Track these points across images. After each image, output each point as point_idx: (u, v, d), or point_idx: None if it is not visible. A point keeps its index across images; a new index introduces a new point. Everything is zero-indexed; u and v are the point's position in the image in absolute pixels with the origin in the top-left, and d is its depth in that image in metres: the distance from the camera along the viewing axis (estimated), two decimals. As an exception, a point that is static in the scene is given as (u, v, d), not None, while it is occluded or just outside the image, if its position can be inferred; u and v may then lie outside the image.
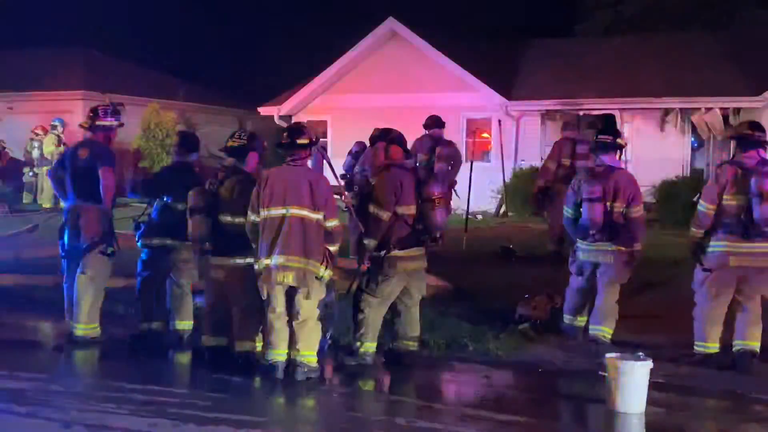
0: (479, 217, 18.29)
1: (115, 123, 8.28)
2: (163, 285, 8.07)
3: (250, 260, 7.04)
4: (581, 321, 8.23)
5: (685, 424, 6.27)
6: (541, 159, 20.61)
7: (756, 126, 7.46)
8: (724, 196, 7.27)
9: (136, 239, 8.16)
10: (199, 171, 8.21)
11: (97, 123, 8.18)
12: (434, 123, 12.31)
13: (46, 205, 18.75)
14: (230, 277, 7.21)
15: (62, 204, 8.54)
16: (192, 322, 8.06)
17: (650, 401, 6.18)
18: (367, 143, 8.13)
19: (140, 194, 8.38)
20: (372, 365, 7.35)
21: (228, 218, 7.18)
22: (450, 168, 11.86)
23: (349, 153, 12.28)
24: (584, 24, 32.25)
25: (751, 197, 7.11)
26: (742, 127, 7.67)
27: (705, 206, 7.37)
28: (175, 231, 7.79)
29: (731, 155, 7.62)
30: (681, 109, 19.91)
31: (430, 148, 11.93)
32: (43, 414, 6.08)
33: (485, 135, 18.76)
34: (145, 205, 8.37)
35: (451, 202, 11.96)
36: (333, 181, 7.52)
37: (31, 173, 20.47)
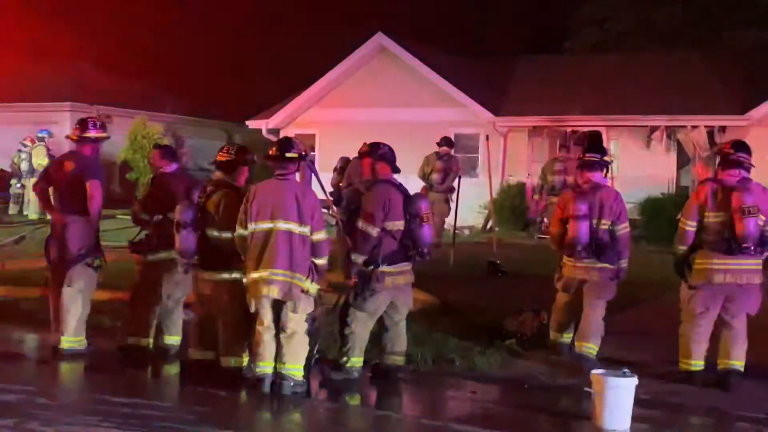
0: (466, 232, 18.33)
1: (102, 135, 8.27)
2: (153, 299, 8.05)
3: (236, 275, 7.05)
4: (567, 337, 8.27)
5: (670, 440, 6.31)
6: (528, 175, 20.84)
7: (738, 146, 7.51)
8: (706, 214, 7.33)
9: (140, 256, 8.12)
10: (180, 180, 8.25)
11: (85, 135, 8.15)
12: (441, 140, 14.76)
13: (33, 216, 18.68)
14: (217, 291, 7.21)
15: (48, 216, 8.52)
16: (180, 338, 8.05)
17: (635, 418, 6.20)
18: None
19: (143, 218, 8.29)
20: (359, 380, 7.36)
21: (215, 233, 7.18)
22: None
23: (335, 169, 12.36)
24: (572, 41, 32.49)
25: (732, 213, 7.17)
26: (725, 145, 7.75)
27: (685, 223, 7.45)
28: (166, 243, 7.79)
29: (715, 172, 7.69)
30: (667, 126, 20.05)
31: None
32: (29, 427, 6.03)
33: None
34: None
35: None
36: (321, 195, 7.54)
37: (18, 185, 20.38)
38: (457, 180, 14.39)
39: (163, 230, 7.91)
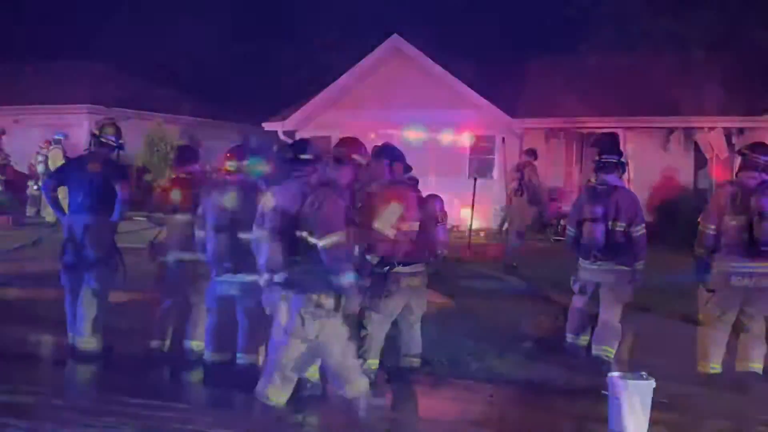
0: (482, 233, 18.30)
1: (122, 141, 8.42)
2: (177, 303, 8.05)
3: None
4: (584, 340, 8.22)
5: (688, 444, 6.27)
6: (545, 176, 20.75)
7: (756, 147, 7.48)
8: (725, 217, 7.31)
9: (153, 258, 8.17)
10: (200, 181, 8.26)
11: (121, 141, 8.37)
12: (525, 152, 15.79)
13: (50, 218, 18.76)
14: (245, 292, 7.19)
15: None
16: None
17: (653, 421, 6.16)
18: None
19: (155, 213, 8.36)
20: (374, 382, 7.34)
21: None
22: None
23: None
24: (589, 42, 32.34)
25: (751, 217, 7.13)
26: (745, 146, 7.71)
27: (705, 226, 7.43)
28: (188, 245, 7.80)
29: (734, 174, 7.66)
30: (684, 128, 19.93)
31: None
32: (44, 429, 6.07)
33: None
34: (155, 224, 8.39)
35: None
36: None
37: (35, 187, 20.48)
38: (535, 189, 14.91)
39: (173, 231, 7.96)
